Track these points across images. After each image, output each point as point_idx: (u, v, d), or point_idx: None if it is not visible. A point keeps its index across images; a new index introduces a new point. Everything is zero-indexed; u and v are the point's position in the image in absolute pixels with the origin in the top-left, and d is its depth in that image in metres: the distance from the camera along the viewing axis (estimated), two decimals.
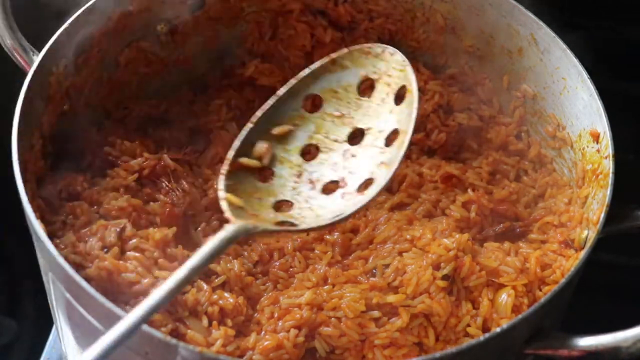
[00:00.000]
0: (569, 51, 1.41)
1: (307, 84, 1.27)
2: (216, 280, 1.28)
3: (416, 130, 1.54)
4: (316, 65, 1.28)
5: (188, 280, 1.06)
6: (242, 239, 1.39)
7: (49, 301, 1.33)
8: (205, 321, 1.21)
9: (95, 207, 1.33)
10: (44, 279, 1.28)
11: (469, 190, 1.43)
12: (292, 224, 1.19)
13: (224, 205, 1.16)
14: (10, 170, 1.20)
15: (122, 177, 1.38)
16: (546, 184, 1.47)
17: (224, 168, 1.21)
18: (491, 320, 1.25)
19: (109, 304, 1.08)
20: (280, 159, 1.25)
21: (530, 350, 1.15)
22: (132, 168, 1.39)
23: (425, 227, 1.35)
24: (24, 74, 1.32)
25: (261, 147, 1.24)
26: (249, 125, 1.24)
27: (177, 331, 1.18)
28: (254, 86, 1.61)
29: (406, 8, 1.61)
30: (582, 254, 1.21)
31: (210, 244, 1.09)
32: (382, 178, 1.20)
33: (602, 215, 1.22)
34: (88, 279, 1.16)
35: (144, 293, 1.19)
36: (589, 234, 1.29)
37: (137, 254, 1.24)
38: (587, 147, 1.37)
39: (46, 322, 1.60)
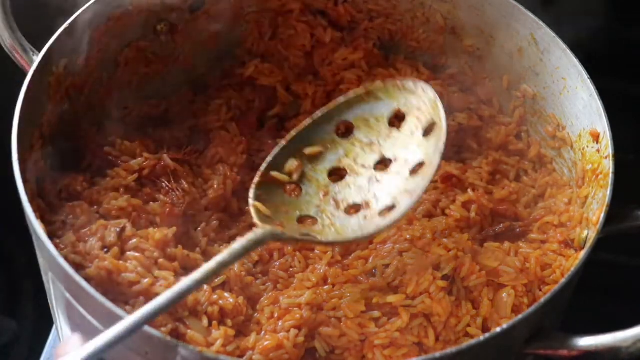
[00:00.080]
0: (569, 51, 1.41)
1: (341, 111, 1.33)
2: (216, 280, 1.28)
3: None
4: (351, 94, 1.34)
5: (217, 272, 1.11)
6: None
7: (49, 301, 1.33)
8: (205, 321, 1.21)
9: (95, 207, 1.33)
10: (44, 279, 1.28)
11: (469, 190, 1.43)
12: (315, 237, 1.24)
13: (252, 210, 1.22)
14: (10, 170, 1.20)
15: (122, 177, 1.37)
16: (546, 184, 1.47)
17: (256, 179, 1.28)
18: (491, 320, 1.25)
19: (109, 304, 1.08)
20: (308, 177, 1.30)
21: (530, 350, 1.14)
22: (132, 168, 1.39)
23: (425, 227, 1.35)
24: (24, 74, 1.32)
25: (292, 164, 1.30)
26: (283, 143, 1.32)
27: (177, 331, 1.18)
28: (254, 86, 1.61)
29: (406, 8, 1.61)
30: (582, 254, 1.21)
31: (239, 243, 1.14)
32: (404, 205, 1.24)
33: (602, 215, 1.22)
34: (88, 279, 1.16)
35: (144, 293, 1.20)
36: (589, 234, 1.29)
37: (137, 254, 1.24)
38: (587, 147, 1.37)
39: (46, 322, 1.60)
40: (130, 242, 1.26)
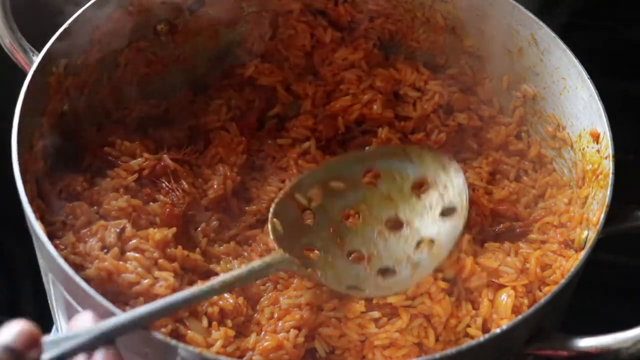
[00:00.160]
0: (569, 51, 1.41)
1: (374, 157, 1.42)
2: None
3: (416, 130, 1.56)
4: (389, 147, 1.45)
5: (228, 286, 1.17)
6: (242, 238, 1.41)
7: (49, 301, 1.33)
8: (205, 322, 1.21)
9: (95, 207, 1.33)
10: (44, 279, 1.28)
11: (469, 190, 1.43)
12: (318, 277, 1.28)
13: (270, 227, 1.30)
14: (10, 170, 1.20)
15: (122, 177, 1.37)
16: (546, 184, 1.47)
17: (279, 196, 1.36)
18: (491, 320, 1.25)
19: (109, 305, 1.08)
20: (324, 210, 1.35)
21: (530, 351, 1.14)
22: (132, 168, 1.39)
23: None
24: (24, 74, 1.32)
25: (315, 192, 1.36)
26: (312, 170, 1.41)
27: (177, 332, 1.18)
28: (254, 86, 1.61)
29: (406, 8, 1.61)
30: (582, 254, 1.21)
31: (256, 264, 1.21)
32: (404, 275, 1.27)
33: (602, 215, 1.22)
34: (88, 280, 1.16)
35: (144, 294, 1.20)
36: (589, 235, 1.29)
37: (137, 255, 1.24)
38: (587, 147, 1.37)
39: (46, 322, 1.60)
40: (130, 242, 1.26)
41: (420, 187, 1.39)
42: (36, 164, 1.32)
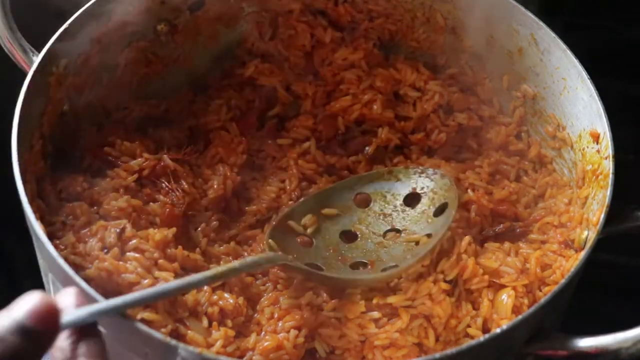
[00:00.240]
0: (569, 51, 1.41)
1: (362, 183, 1.45)
2: None
3: (416, 130, 1.56)
4: (374, 171, 1.47)
5: (226, 276, 1.18)
6: (242, 238, 1.41)
7: None
8: (205, 322, 1.21)
9: (95, 207, 1.33)
10: (44, 279, 1.28)
11: (469, 190, 1.43)
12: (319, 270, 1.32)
13: (267, 245, 1.33)
14: (10, 170, 1.20)
15: (122, 177, 1.37)
16: (546, 184, 1.47)
17: (273, 222, 1.40)
18: (491, 320, 1.25)
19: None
20: (321, 234, 1.39)
21: (530, 351, 1.14)
22: (132, 168, 1.39)
23: None
24: (24, 74, 1.32)
25: (309, 219, 1.39)
26: (303, 199, 1.43)
27: (177, 332, 1.18)
28: (254, 86, 1.61)
29: (406, 8, 1.61)
30: (582, 254, 1.21)
31: (251, 258, 1.24)
32: (405, 265, 1.31)
33: (602, 215, 1.22)
34: (88, 280, 1.16)
35: None
36: (589, 235, 1.29)
37: (137, 255, 1.24)
38: (587, 147, 1.37)
39: None
40: (130, 242, 1.26)
41: (411, 198, 1.43)
42: (36, 164, 1.32)
